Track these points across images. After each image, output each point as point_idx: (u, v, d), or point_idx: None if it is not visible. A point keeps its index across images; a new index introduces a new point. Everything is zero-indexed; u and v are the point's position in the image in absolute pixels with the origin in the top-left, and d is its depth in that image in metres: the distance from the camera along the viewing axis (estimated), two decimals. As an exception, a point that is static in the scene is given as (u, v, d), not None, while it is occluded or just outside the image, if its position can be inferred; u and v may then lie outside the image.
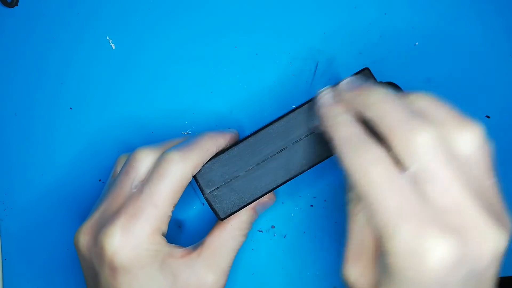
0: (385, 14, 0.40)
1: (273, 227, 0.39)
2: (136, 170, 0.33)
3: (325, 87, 0.32)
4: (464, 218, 0.24)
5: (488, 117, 0.40)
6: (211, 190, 0.33)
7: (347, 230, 0.30)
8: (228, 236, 0.34)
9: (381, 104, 0.27)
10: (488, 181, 0.26)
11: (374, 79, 0.34)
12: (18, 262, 0.40)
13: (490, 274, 0.26)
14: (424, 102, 0.27)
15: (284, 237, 0.39)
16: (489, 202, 0.25)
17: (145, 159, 0.33)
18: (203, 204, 0.40)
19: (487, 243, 0.25)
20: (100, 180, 0.40)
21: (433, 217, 0.24)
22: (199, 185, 0.33)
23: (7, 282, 0.40)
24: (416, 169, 0.25)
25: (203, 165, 0.33)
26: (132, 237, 0.31)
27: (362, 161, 0.26)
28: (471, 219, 0.24)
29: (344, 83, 0.31)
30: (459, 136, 0.26)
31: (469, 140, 0.26)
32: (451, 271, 0.24)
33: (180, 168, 0.31)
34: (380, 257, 0.27)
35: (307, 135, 0.34)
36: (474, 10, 0.40)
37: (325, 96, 0.31)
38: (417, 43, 0.40)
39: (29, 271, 0.40)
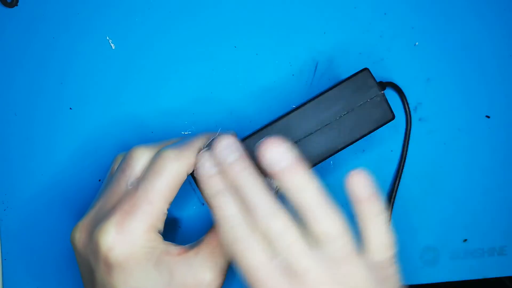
0: (385, 14, 0.40)
1: (273, 227, 0.39)
2: (132, 168, 0.33)
3: (202, 150, 0.32)
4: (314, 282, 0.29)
5: (488, 117, 0.40)
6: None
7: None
8: None
9: (252, 196, 0.30)
10: (352, 268, 0.30)
11: (374, 79, 0.34)
12: (18, 262, 0.40)
13: None
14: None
15: (284, 237, 0.39)
16: (351, 282, 0.30)
17: (141, 157, 0.33)
18: (203, 204, 0.40)
19: None
20: (99, 180, 0.40)
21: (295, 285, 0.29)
22: (198, 185, 0.33)
23: (7, 282, 0.40)
24: (282, 259, 0.29)
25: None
26: (127, 234, 0.31)
27: (240, 247, 0.30)
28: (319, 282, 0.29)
29: (220, 149, 0.31)
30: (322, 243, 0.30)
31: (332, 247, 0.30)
32: None
33: (175, 166, 0.31)
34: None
35: (307, 135, 0.34)
36: (474, 10, 0.40)
37: (205, 164, 0.31)
38: (417, 43, 0.40)
39: (29, 271, 0.40)
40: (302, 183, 0.30)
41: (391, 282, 0.31)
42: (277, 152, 0.30)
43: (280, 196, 0.30)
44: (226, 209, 0.30)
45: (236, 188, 0.30)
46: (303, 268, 0.29)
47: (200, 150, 0.33)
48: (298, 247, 0.29)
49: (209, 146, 0.32)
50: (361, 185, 0.31)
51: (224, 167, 0.31)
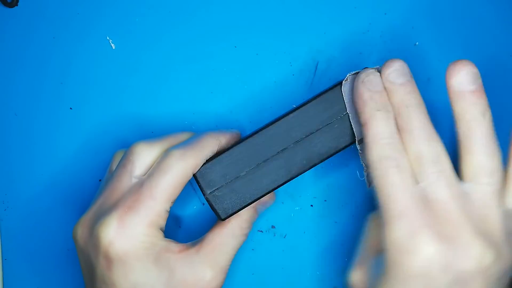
0: (385, 14, 0.40)
1: (273, 227, 0.39)
2: (133, 164, 0.33)
3: (369, 69, 0.32)
4: (455, 232, 0.28)
5: (488, 117, 0.40)
6: (212, 190, 0.33)
7: (360, 241, 0.33)
8: (229, 234, 0.34)
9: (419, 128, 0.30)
10: (488, 212, 0.29)
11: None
12: (18, 262, 0.40)
13: (474, 286, 0.28)
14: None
15: (284, 237, 0.39)
16: (483, 226, 0.29)
17: (142, 153, 0.33)
18: (203, 204, 0.40)
19: (471, 257, 0.28)
20: (100, 180, 0.40)
21: (429, 223, 0.28)
22: (199, 186, 0.33)
23: (7, 282, 0.40)
24: (426, 185, 0.29)
25: (204, 165, 0.33)
26: (128, 228, 0.31)
27: (387, 164, 0.29)
28: (461, 234, 0.28)
29: (392, 70, 0.31)
30: (467, 182, 0.30)
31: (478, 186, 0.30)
32: (436, 274, 0.27)
33: (181, 165, 0.32)
34: (378, 257, 0.30)
35: (308, 135, 0.34)
36: (474, 10, 0.40)
37: (374, 80, 0.31)
38: (417, 43, 0.40)
39: (29, 271, 0.40)
40: (481, 113, 0.30)
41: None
42: (472, 74, 0.30)
43: None
44: (385, 125, 0.30)
45: (399, 108, 0.30)
46: (441, 200, 0.28)
47: (206, 149, 0.33)
48: (446, 175, 0.29)
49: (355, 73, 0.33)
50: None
51: (393, 87, 0.31)
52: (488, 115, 0.30)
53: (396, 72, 0.31)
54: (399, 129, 0.30)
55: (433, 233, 0.28)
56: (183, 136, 0.35)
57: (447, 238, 0.28)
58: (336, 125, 0.34)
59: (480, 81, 0.30)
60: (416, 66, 0.40)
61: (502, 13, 0.40)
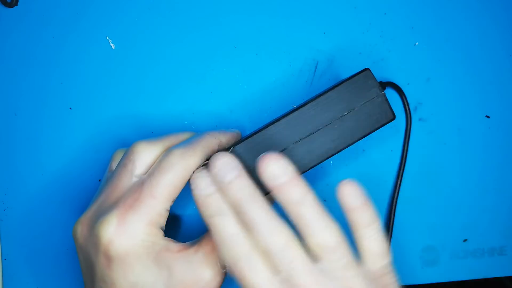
0: (385, 14, 0.40)
1: (273, 227, 0.39)
2: (134, 163, 0.33)
3: (196, 169, 0.32)
4: None
5: (488, 117, 0.40)
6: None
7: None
8: None
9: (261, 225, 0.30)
10: (351, 284, 0.30)
11: (375, 79, 0.34)
12: (18, 262, 0.40)
13: None
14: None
15: (284, 237, 0.39)
16: None
17: (142, 152, 0.33)
18: (203, 204, 0.40)
19: None
20: (100, 180, 0.40)
21: None
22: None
23: (7, 282, 0.40)
24: (286, 275, 0.29)
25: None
26: (128, 227, 0.31)
27: (241, 266, 0.30)
28: None
29: (218, 169, 0.31)
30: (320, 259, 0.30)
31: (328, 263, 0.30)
32: None
33: (181, 164, 0.32)
34: None
35: (308, 136, 0.34)
36: (474, 10, 0.40)
37: (201, 184, 0.31)
38: (417, 43, 0.40)
39: (29, 271, 0.40)
40: (300, 197, 0.30)
41: None
42: (277, 167, 0.30)
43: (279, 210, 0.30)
44: (225, 229, 0.30)
45: (235, 206, 0.30)
46: (304, 284, 0.29)
47: (207, 149, 0.33)
48: (299, 262, 0.29)
49: (204, 165, 0.33)
50: (352, 194, 0.31)
51: (222, 186, 0.30)
52: (309, 196, 0.30)
53: (222, 170, 0.31)
54: (244, 224, 0.30)
55: None
56: (184, 136, 0.35)
57: None
58: (335, 126, 0.34)
59: (291, 169, 0.30)
60: (416, 66, 0.40)
61: (501, 13, 0.40)
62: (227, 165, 0.31)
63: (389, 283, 0.32)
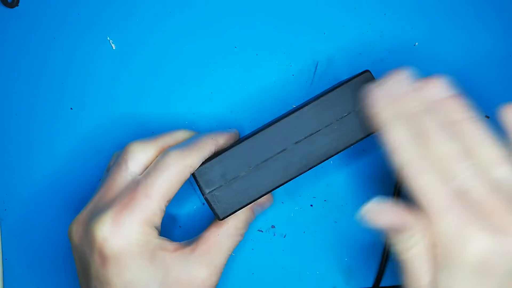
0: (385, 14, 0.40)
1: (273, 227, 0.40)
2: (128, 163, 0.33)
3: (369, 88, 0.32)
4: (503, 221, 0.28)
5: (488, 117, 0.40)
6: (211, 190, 0.33)
7: (402, 269, 0.31)
8: (225, 234, 0.34)
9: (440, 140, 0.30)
10: None
11: (375, 81, 0.34)
12: (18, 262, 0.40)
13: None
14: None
15: (284, 237, 0.39)
16: None
17: (137, 152, 0.33)
18: (203, 204, 0.40)
19: None
20: (100, 180, 0.40)
21: (476, 215, 0.28)
22: (198, 185, 0.33)
23: (7, 282, 0.40)
24: (460, 182, 0.29)
25: (203, 165, 0.33)
26: (123, 226, 0.31)
27: (414, 168, 0.29)
28: (510, 223, 0.27)
29: (397, 79, 0.31)
30: (498, 169, 0.29)
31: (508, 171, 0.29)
32: (490, 265, 0.27)
33: (178, 164, 0.32)
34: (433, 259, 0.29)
35: (308, 136, 0.34)
36: (474, 10, 0.40)
37: (386, 94, 0.31)
38: (417, 43, 0.40)
39: (29, 271, 0.40)
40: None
41: None
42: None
43: None
44: (401, 132, 0.30)
45: (412, 117, 0.30)
46: (478, 193, 0.28)
47: (204, 149, 0.33)
48: (476, 169, 0.29)
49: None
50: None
51: (400, 97, 0.31)
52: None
53: (401, 82, 0.31)
54: (418, 131, 0.30)
55: (481, 224, 0.27)
56: (178, 134, 0.35)
57: (495, 229, 0.27)
58: (335, 127, 0.34)
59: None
60: (416, 66, 0.40)
61: (502, 13, 0.40)
62: (405, 78, 0.31)
63: None
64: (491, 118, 0.40)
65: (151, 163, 0.34)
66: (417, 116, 0.30)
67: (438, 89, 0.31)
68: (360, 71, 0.34)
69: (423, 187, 0.29)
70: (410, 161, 0.29)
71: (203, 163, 0.33)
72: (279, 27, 0.40)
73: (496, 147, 0.29)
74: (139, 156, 0.33)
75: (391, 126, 0.30)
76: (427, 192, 0.28)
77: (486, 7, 0.40)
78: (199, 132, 0.37)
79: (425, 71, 0.40)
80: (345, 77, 0.39)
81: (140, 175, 0.33)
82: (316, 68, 0.40)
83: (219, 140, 0.34)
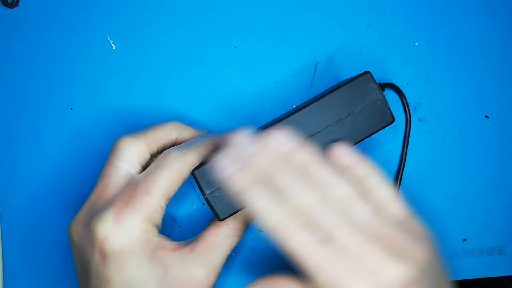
0: (385, 14, 0.40)
1: (273, 227, 0.40)
2: (119, 159, 0.33)
3: (214, 156, 0.30)
4: (375, 262, 0.27)
5: (487, 117, 0.40)
6: (211, 190, 0.33)
7: None
8: (224, 234, 0.34)
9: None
10: (387, 227, 0.29)
11: (375, 82, 0.34)
12: (18, 262, 0.40)
13: None
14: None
15: (284, 237, 0.40)
16: (388, 243, 0.28)
17: (127, 147, 0.34)
18: (203, 204, 0.40)
19: (390, 276, 0.27)
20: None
21: (349, 262, 0.27)
22: (199, 186, 0.33)
23: (7, 282, 0.40)
24: (327, 230, 0.28)
25: (204, 166, 0.33)
26: (124, 224, 0.31)
27: (283, 233, 0.28)
28: (374, 261, 0.27)
29: (240, 143, 0.29)
30: (356, 208, 0.29)
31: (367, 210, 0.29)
32: None
33: (178, 163, 0.32)
34: None
35: (308, 137, 0.34)
36: (474, 10, 0.40)
37: (227, 168, 0.29)
38: (417, 43, 0.40)
39: (29, 271, 0.40)
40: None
41: (416, 232, 0.30)
42: (349, 152, 0.30)
43: None
44: (260, 197, 0.28)
45: (266, 177, 0.29)
46: (342, 235, 0.28)
47: (203, 150, 0.33)
48: (336, 216, 0.28)
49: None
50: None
51: (248, 160, 0.29)
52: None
53: (245, 144, 0.29)
54: (276, 190, 0.28)
55: (357, 269, 0.27)
56: (167, 126, 0.35)
57: (371, 272, 0.27)
58: (335, 128, 0.34)
59: (356, 154, 0.30)
60: (416, 67, 0.40)
61: (501, 13, 0.40)
62: (247, 141, 0.29)
63: (414, 225, 0.30)
64: (490, 118, 0.40)
65: (142, 156, 0.34)
66: (271, 174, 0.28)
67: (282, 141, 0.29)
68: (360, 72, 0.35)
69: (296, 248, 0.27)
70: (276, 225, 0.28)
71: (204, 163, 0.33)
72: (279, 27, 0.40)
73: (347, 185, 0.29)
74: (129, 151, 0.34)
75: (249, 195, 0.28)
76: (301, 252, 0.27)
77: (485, 8, 0.40)
78: (190, 125, 0.37)
79: (425, 71, 0.40)
80: (345, 77, 0.40)
81: (133, 169, 0.33)
82: (316, 69, 0.40)
83: (217, 142, 0.35)
